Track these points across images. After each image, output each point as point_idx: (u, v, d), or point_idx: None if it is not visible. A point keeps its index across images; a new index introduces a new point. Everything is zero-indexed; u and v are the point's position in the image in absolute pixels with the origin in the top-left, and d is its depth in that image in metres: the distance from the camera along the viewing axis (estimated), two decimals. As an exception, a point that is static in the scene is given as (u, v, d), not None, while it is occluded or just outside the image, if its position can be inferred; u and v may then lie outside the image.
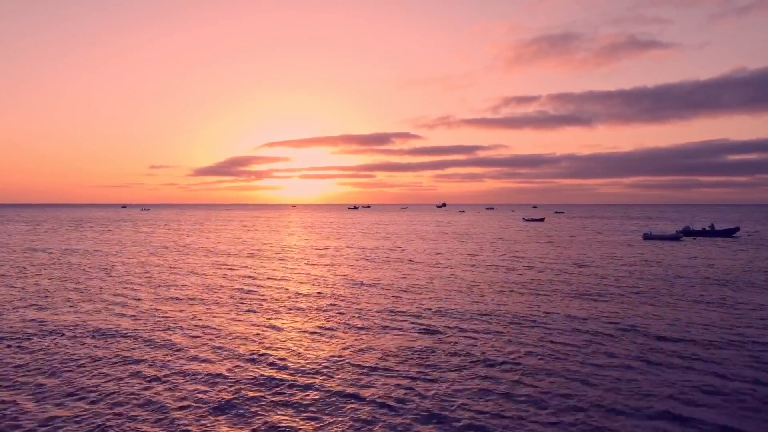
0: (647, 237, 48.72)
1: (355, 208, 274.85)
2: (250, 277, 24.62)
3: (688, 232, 52.39)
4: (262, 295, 19.54)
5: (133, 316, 16.08)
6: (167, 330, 14.20)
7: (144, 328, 14.39)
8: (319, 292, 20.26)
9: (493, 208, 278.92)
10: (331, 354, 11.97)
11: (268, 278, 24.03)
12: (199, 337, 13.53)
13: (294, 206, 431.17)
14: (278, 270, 26.91)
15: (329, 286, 21.67)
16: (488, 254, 34.62)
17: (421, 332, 13.93)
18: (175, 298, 18.98)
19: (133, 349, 12.33)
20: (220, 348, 12.44)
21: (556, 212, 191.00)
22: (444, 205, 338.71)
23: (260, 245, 42.59)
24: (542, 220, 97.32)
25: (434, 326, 14.59)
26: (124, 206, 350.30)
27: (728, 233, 53.73)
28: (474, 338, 13.34)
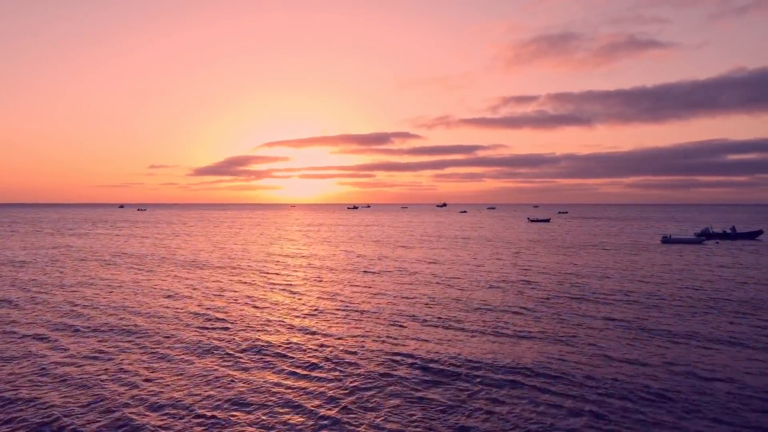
0: (666, 240, 44.82)
1: (355, 208, 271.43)
2: (181, 298, 20.70)
3: (708, 235, 48.43)
4: (177, 335, 15.15)
5: None
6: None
7: None
8: (283, 328, 16.34)
9: (494, 208, 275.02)
10: None
11: (204, 306, 20.00)
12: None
13: (293, 206, 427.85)
14: (235, 291, 20.86)
15: (300, 315, 17.69)
16: (496, 264, 30.68)
17: (430, 385, 10.00)
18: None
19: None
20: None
21: (560, 212, 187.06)
22: (444, 205, 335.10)
23: (234, 253, 38.69)
24: (548, 220, 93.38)
25: (445, 380, 10.61)
26: (121, 206, 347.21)
27: (751, 236, 49.82)
28: (505, 402, 9.40)
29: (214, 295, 19.82)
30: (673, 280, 23.29)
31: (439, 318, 15.82)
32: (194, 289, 21.14)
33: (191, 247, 40.56)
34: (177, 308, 17.25)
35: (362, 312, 16.72)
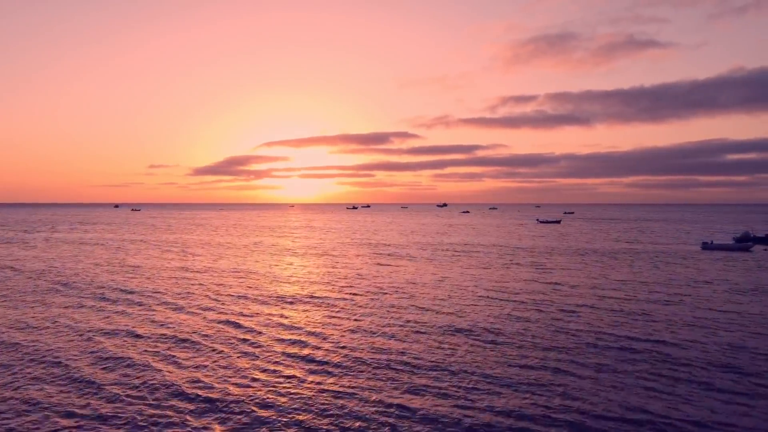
0: (707, 247, 39.12)
1: (354, 208, 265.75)
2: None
3: (750, 239, 42.63)
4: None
5: None
6: None
7: None
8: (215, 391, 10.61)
9: (496, 209, 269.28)
10: None
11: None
12: None
13: (292, 206, 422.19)
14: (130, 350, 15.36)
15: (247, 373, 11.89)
16: (521, 282, 24.86)
17: None
18: None
19: None
20: None
21: (566, 213, 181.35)
22: (445, 205, 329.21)
23: (190, 272, 32.91)
24: (558, 222, 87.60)
25: None
26: (116, 206, 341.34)
27: (798, 241, 44.07)
28: None
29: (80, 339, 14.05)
30: (748, 302, 17.59)
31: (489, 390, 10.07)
32: (55, 323, 15.37)
33: (138, 261, 34.85)
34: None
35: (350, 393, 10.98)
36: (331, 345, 12.94)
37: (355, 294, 20.23)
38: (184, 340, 13.36)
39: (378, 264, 29.83)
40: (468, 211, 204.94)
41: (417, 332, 14.14)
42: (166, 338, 13.50)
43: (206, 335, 13.86)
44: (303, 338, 13.55)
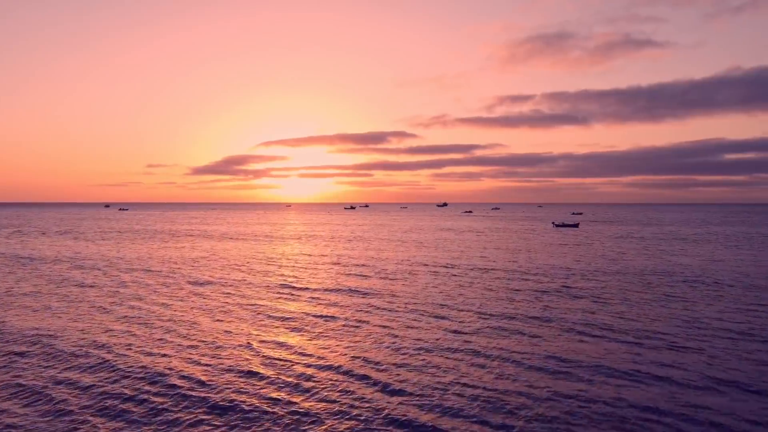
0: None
1: (352, 208, 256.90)
2: None
3: None
4: None
5: None
6: None
7: None
8: None
9: (498, 209, 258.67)
10: None
11: None
12: None
13: (289, 205, 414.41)
14: None
15: None
16: (558, 320, 14.09)
17: None
18: None
19: None
20: None
21: (573, 213, 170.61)
22: (445, 204, 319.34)
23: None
24: (576, 225, 76.78)
25: None
26: (107, 205, 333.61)
27: None
28: None
29: None
30: None
31: None
32: None
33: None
34: None
35: None
36: None
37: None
38: None
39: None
40: (471, 211, 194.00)
41: None
42: None
43: None
44: None
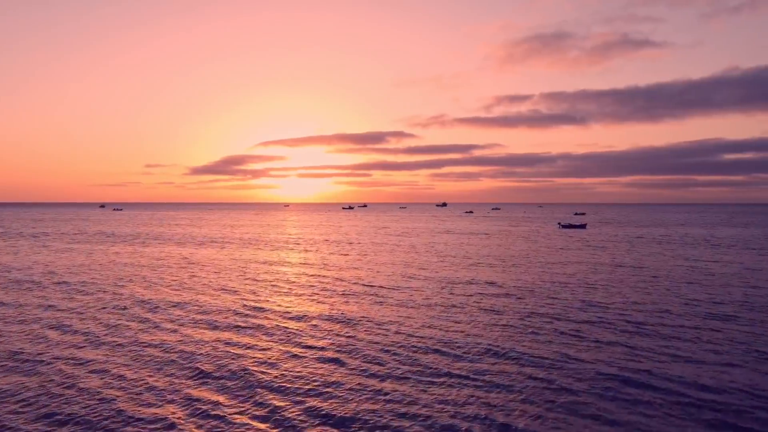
0: None
1: (350, 208, 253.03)
2: None
3: None
4: None
5: None
6: None
7: None
8: None
9: (499, 209, 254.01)
10: None
11: None
12: None
13: (287, 205, 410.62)
14: None
15: None
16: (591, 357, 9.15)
17: None
18: None
19: None
20: None
21: (576, 213, 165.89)
22: (445, 204, 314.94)
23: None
24: (584, 227, 71.95)
25: None
26: (102, 206, 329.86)
27: None
28: None
29: None
30: None
31: None
32: None
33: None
34: None
35: None
36: None
37: None
38: None
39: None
40: (471, 212, 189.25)
41: None
42: None
43: None
44: None
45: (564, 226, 73.41)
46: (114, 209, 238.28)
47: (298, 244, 47.34)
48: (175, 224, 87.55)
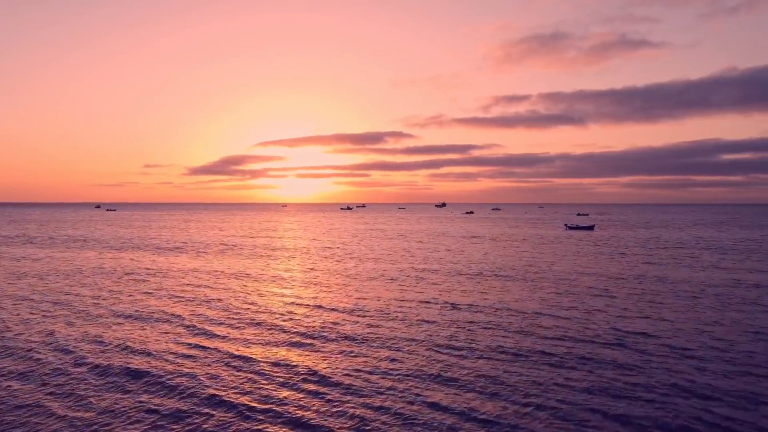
0: None
1: (349, 208, 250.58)
2: None
3: None
4: None
5: None
6: None
7: None
8: None
9: (499, 209, 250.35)
10: None
11: None
12: None
13: (285, 206, 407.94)
14: None
15: None
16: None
17: None
18: None
19: None
20: None
21: (578, 214, 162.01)
22: (444, 204, 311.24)
23: None
24: (592, 228, 67.83)
25: None
26: (98, 206, 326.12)
27: None
28: None
29: None
30: None
31: None
32: None
33: None
34: None
35: None
36: None
37: None
38: None
39: None
40: (472, 212, 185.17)
41: None
42: None
43: None
44: None
45: (571, 228, 69.28)
46: (107, 209, 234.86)
47: (281, 250, 43.15)
48: (173, 226, 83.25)
